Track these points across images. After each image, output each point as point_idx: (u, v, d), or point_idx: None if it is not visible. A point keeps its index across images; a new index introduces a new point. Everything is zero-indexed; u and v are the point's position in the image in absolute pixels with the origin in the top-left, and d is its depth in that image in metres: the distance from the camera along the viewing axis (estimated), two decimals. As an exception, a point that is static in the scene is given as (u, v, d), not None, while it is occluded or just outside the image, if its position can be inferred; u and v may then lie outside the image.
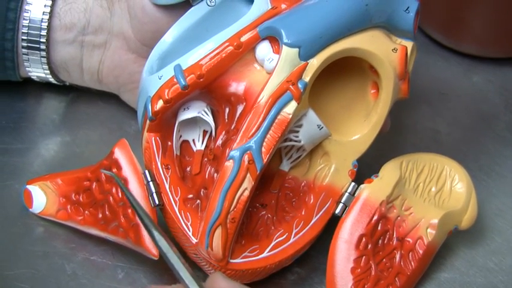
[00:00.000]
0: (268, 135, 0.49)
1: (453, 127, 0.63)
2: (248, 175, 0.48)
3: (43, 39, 0.58)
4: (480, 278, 0.54)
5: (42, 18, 0.58)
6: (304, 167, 0.53)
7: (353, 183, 0.53)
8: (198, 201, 0.51)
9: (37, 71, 0.60)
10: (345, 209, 0.52)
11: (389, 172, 0.52)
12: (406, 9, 0.52)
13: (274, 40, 0.50)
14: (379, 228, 0.51)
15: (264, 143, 0.49)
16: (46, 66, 0.59)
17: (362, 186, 0.52)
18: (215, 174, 0.51)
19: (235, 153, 0.48)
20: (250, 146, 0.48)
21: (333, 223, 0.52)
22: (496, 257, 0.55)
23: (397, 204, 0.52)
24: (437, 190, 0.53)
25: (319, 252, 0.54)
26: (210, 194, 0.50)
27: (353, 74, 0.53)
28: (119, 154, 0.52)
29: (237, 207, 0.49)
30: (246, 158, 0.48)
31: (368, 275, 0.51)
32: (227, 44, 0.50)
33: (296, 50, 0.49)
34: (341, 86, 0.54)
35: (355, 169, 0.53)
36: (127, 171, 0.51)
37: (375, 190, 0.52)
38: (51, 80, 0.61)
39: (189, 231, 0.50)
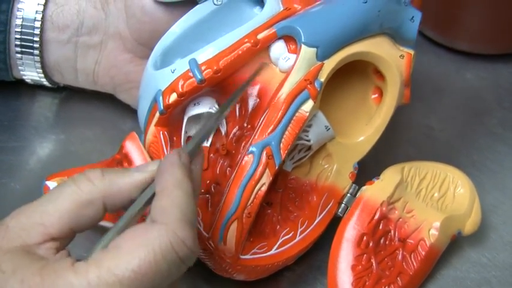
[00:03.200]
0: (286, 132, 0.50)
1: (446, 123, 0.64)
2: (267, 170, 0.49)
3: (36, 40, 0.57)
4: (474, 274, 0.55)
5: (35, 20, 0.57)
6: (305, 167, 0.54)
7: (354, 185, 0.54)
8: (208, 196, 0.51)
9: (31, 74, 0.59)
10: (347, 210, 0.53)
11: (390, 174, 0.54)
12: (411, 19, 0.54)
13: (290, 40, 0.51)
14: (380, 227, 0.53)
15: (283, 139, 0.49)
16: (40, 70, 0.59)
17: (363, 188, 0.54)
18: (228, 169, 0.51)
19: (254, 148, 0.49)
20: (270, 142, 0.49)
21: (332, 223, 0.54)
22: (489, 253, 0.56)
23: (399, 206, 0.53)
24: (440, 196, 0.55)
25: (314, 250, 0.54)
26: (224, 189, 0.50)
27: (355, 79, 0.55)
28: (129, 147, 0.51)
29: (254, 202, 0.49)
30: (265, 153, 0.49)
31: (369, 272, 0.52)
32: (246, 40, 0.50)
33: (314, 49, 0.50)
34: (343, 89, 0.55)
35: (355, 171, 0.54)
36: (138, 164, 0.51)
37: (376, 191, 0.53)
38: (45, 82, 0.60)
39: (200, 225, 0.50)
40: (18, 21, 0.57)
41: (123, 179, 0.43)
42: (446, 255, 0.55)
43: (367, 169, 0.55)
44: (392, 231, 0.53)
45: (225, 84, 0.51)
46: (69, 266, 0.39)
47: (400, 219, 0.53)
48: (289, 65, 0.51)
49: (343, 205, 0.54)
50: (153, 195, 0.42)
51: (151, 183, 0.43)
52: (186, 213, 0.41)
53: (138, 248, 0.39)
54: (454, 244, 0.55)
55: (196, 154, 0.45)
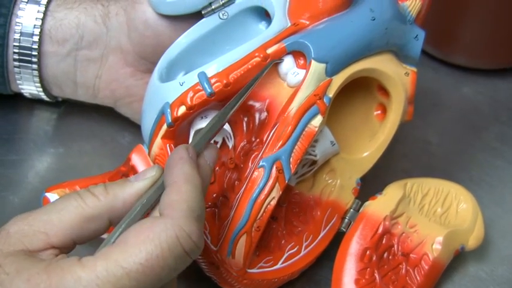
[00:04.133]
0: (296, 147, 0.50)
1: (444, 138, 0.65)
2: (277, 184, 0.49)
3: (35, 54, 0.57)
4: (472, 288, 0.56)
5: (33, 35, 0.57)
6: (309, 182, 0.54)
7: (357, 200, 0.55)
8: (215, 209, 0.51)
9: (29, 88, 0.59)
10: (350, 225, 0.54)
11: (393, 190, 0.54)
12: (416, 37, 0.55)
13: (298, 55, 0.51)
14: (383, 242, 0.53)
15: (293, 154, 0.50)
16: (38, 84, 0.58)
17: (367, 203, 0.54)
18: (236, 183, 0.51)
19: (265, 162, 0.49)
20: (280, 156, 0.49)
21: (336, 237, 0.54)
22: (487, 267, 0.57)
23: (402, 221, 0.54)
24: (443, 211, 0.55)
25: (313, 264, 0.54)
26: (232, 203, 0.50)
27: (359, 95, 0.55)
28: (136, 160, 0.51)
29: (263, 216, 0.49)
30: (275, 167, 0.49)
31: (373, 286, 0.52)
32: (256, 54, 0.51)
33: (324, 65, 0.50)
34: (347, 106, 0.56)
35: (358, 187, 0.55)
36: None
37: (378, 206, 0.54)
38: (43, 96, 0.60)
39: (208, 239, 0.50)
40: (17, 35, 0.57)
41: (125, 190, 0.43)
42: (445, 269, 0.55)
43: (365, 183, 0.55)
44: (395, 246, 0.53)
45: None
46: (76, 262, 0.40)
47: (403, 234, 0.54)
48: (298, 80, 0.51)
49: (346, 220, 0.54)
50: (160, 193, 0.43)
51: (152, 186, 0.44)
52: (194, 208, 0.41)
53: (145, 242, 0.40)
54: (452, 259, 0.55)
55: (205, 149, 0.46)
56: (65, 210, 0.42)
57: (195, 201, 0.42)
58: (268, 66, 0.50)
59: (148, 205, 0.43)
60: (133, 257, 0.39)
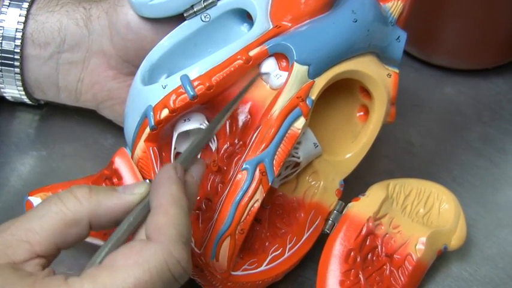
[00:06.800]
0: (279, 149, 0.50)
1: (426, 138, 0.65)
2: (260, 187, 0.49)
3: (17, 58, 0.56)
4: (455, 288, 0.56)
5: (15, 38, 0.56)
6: (292, 184, 0.54)
7: (340, 202, 0.55)
8: (198, 212, 0.51)
9: (11, 91, 0.58)
10: (334, 226, 0.54)
11: (376, 191, 0.55)
12: (397, 39, 0.55)
13: (281, 57, 0.51)
14: (367, 243, 0.53)
15: (276, 156, 0.50)
16: (21, 87, 0.58)
17: (350, 204, 0.54)
18: (220, 185, 0.51)
19: (248, 165, 0.49)
20: (263, 158, 0.49)
21: (320, 238, 0.54)
22: (470, 267, 0.57)
23: (385, 222, 0.54)
24: (425, 212, 0.55)
25: (297, 266, 0.54)
26: (216, 205, 0.50)
27: (341, 97, 0.55)
28: (119, 163, 0.51)
29: (247, 219, 0.49)
30: (258, 169, 0.49)
31: (358, 287, 0.52)
32: (238, 57, 0.51)
33: (306, 67, 0.50)
34: (329, 107, 0.56)
35: (341, 188, 0.55)
36: (128, 180, 0.51)
37: (362, 207, 0.54)
38: (26, 99, 0.59)
39: (192, 242, 0.50)
40: None
41: (111, 200, 0.43)
42: (428, 270, 0.55)
43: (348, 185, 0.55)
44: (379, 247, 0.53)
45: (216, 101, 0.51)
46: (63, 282, 0.39)
47: (387, 235, 0.54)
48: (280, 82, 0.51)
49: (330, 222, 0.54)
50: (147, 211, 0.42)
51: (139, 204, 0.43)
52: (182, 232, 0.41)
53: (133, 267, 0.39)
54: (435, 259, 0.55)
55: (192, 164, 0.45)
56: (46, 217, 0.41)
57: (183, 225, 0.41)
58: (254, 80, 0.50)
59: (135, 223, 0.42)
60: (121, 282, 0.39)
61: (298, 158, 0.53)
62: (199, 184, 0.45)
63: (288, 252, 0.53)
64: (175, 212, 0.41)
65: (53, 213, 0.41)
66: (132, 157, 0.52)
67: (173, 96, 0.50)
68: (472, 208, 0.60)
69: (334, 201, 0.54)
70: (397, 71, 0.55)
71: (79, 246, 0.44)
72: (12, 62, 0.57)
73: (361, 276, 0.52)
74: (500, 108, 0.68)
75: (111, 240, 0.41)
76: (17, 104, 0.61)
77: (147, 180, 0.49)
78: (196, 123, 0.52)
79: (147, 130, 0.51)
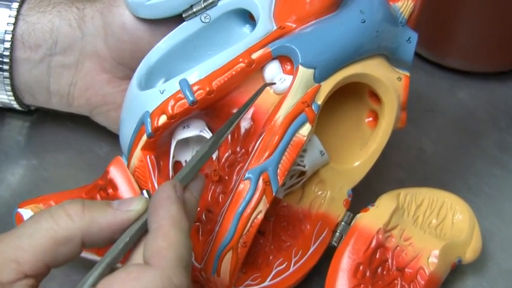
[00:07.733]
0: (283, 157, 0.48)
1: (439, 145, 0.63)
2: (264, 197, 0.47)
3: (6, 61, 0.55)
4: (471, 303, 0.54)
5: (5, 41, 0.55)
6: (297, 194, 0.53)
7: (348, 213, 0.53)
8: (198, 224, 0.50)
9: (0, 96, 0.57)
10: (341, 238, 0.52)
11: (385, 201, 0.53)
12: (408, 40, 0.53)
13: (285, 60, 0.50)
14: (377, 256, 0.51)
15: (280, 165, 0.48)
16: (10, 92, 0.56)
17: (358, 215, 0.52)
18: (221, 196, 0.49)
19: (251, 174, 0.47)
20: (267, 167, 0.47)
21: (327, 251, 0.52)
22: (486, 282, 0.55)
23: (396, 233, 0.52)
24: (438, 223, 0.54)
25: (305, 281, 0.52)
26: (217, 217, 0.48)
27: (349, 102, 0.54)
28: (114, 173, 0.50)
29: (250, 231, 0.47)
30: (262, 179, 0.47)
31: (367, 304, 0.51)
32: (240, 60, 0.49)
33: (312, 71, 0.49)
34: (336, 113, 0.54)
35: (349, 198, 0.53)
36: (124, 191, 0.49)
37: (371, 218, 0.52)
38: (15, 105, 0.58)
39: (192, 256, 0.48)
40: None
41: (105, 217, 0.41)
42: (443, 284, 0.54)
43: (356, 195, 0.54)
44: (389, 260, 0.52)
45: (216, 106, 0.50)
46: None
47: (398, 248, 0.52)
48: (285, 87, 0.49)
49: (337, 234, 0.52)
50: (144, 231, 0.40)
51: (136, 220, 0.41)
52: (183, 255, 0.39)
53: None
54: (450, 273, 0.54)
55: (193, 180, 0.43)
56: (36, 234, 0.40)
57: (183, 248, 0.39)
58: (261, 90, 0.48)
59: (131, 243, 0.40)
60: None
61: (304, 166, 0.51)
62: (198, 200, 0.43)
63: (293, 266, 0.51)
64: (175, 235, 0.39)
65: (43, 230, 0.40)
66: (128, 166, 0.51)
67: (171, 102, 0.48)
68: (488, 220, 0.58)
69: (342, 212, 0.53)
70: (408, 74, 0.53)
71: (71, 261, 0.42)
72: (1, 66, 0.55)
73: (370, 291, 0.51)
74: (517, 113, 0.67)
75: (104, 260, 0.40)
76: (6, 110, 0.60)
77: (145, 192, 0.48)
78: (196, 130, 0.50)
79: (144, 138, 0.49)
